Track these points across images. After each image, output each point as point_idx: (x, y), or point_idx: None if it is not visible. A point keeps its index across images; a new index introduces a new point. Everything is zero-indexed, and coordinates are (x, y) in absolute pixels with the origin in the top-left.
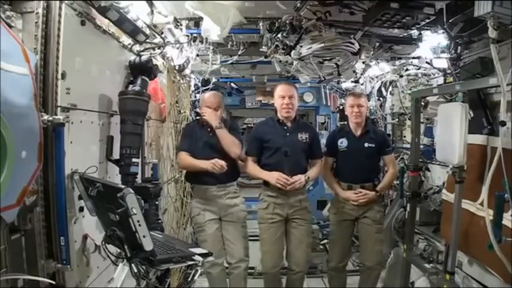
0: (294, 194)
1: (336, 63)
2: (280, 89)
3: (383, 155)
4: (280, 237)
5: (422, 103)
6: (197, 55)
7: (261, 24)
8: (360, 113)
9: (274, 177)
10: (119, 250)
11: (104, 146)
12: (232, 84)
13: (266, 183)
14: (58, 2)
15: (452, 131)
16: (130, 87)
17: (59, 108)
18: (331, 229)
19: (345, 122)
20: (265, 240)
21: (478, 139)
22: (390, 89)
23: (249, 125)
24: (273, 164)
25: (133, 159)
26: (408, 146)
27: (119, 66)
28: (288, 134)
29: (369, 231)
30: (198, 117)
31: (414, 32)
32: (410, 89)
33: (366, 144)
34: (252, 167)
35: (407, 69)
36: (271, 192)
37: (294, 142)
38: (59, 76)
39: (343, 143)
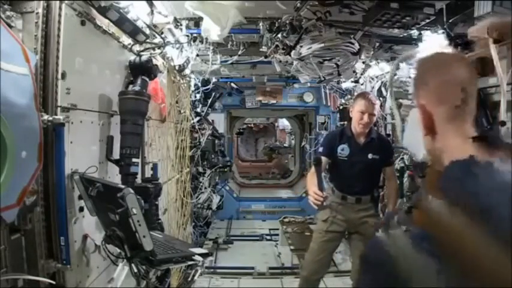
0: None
1: (336, 63)
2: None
3: (386, 166)
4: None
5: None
6: (197, 55)
7: (261, 24)
8: (369, 123)
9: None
10: (119, 250)
11: (104, 146)
12: (232, 84)
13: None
14: (58, 2)
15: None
16: (131, 87)
17: (59, 108)
18: (314, 236)
19: (345, 123)
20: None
21: None
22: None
23: (249, 125)
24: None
25: (133, 159)
26: None
27: (119, 66)
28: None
29: (361, 249)
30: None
31: (414, 32)
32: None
33: (370, 156)
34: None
35: None
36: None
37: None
38: (59, 76)
39: (344, 150)
